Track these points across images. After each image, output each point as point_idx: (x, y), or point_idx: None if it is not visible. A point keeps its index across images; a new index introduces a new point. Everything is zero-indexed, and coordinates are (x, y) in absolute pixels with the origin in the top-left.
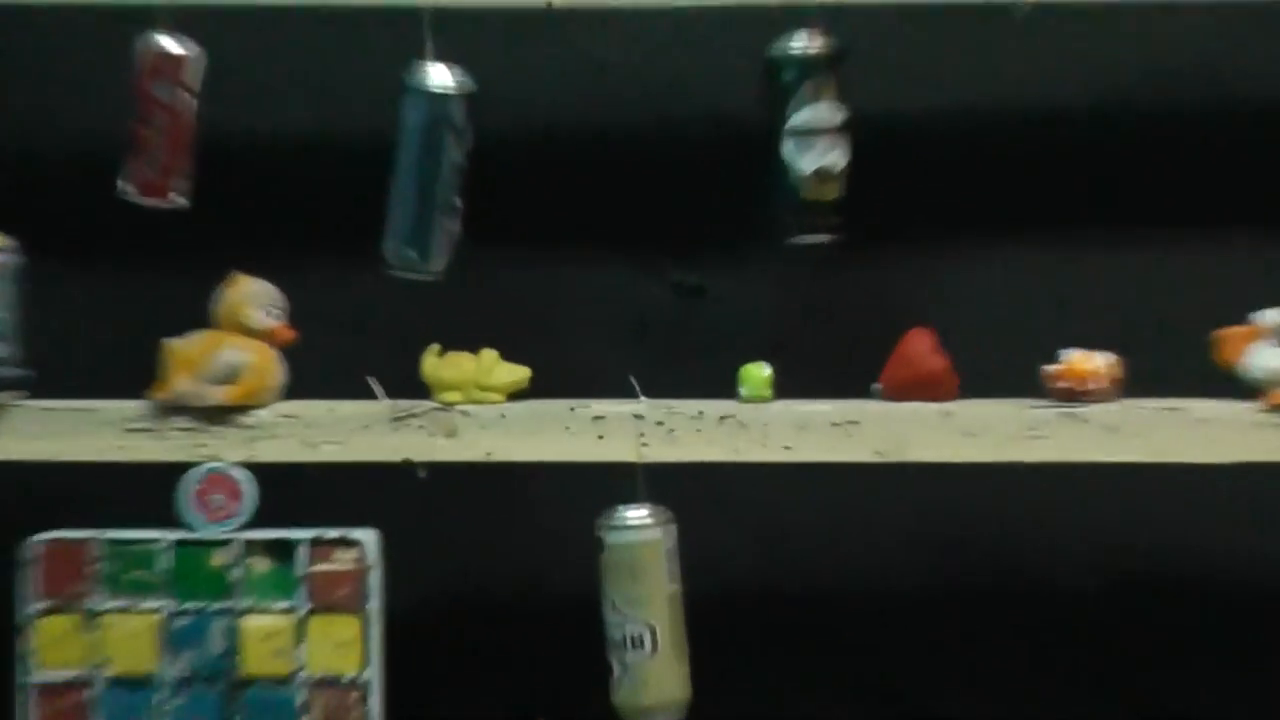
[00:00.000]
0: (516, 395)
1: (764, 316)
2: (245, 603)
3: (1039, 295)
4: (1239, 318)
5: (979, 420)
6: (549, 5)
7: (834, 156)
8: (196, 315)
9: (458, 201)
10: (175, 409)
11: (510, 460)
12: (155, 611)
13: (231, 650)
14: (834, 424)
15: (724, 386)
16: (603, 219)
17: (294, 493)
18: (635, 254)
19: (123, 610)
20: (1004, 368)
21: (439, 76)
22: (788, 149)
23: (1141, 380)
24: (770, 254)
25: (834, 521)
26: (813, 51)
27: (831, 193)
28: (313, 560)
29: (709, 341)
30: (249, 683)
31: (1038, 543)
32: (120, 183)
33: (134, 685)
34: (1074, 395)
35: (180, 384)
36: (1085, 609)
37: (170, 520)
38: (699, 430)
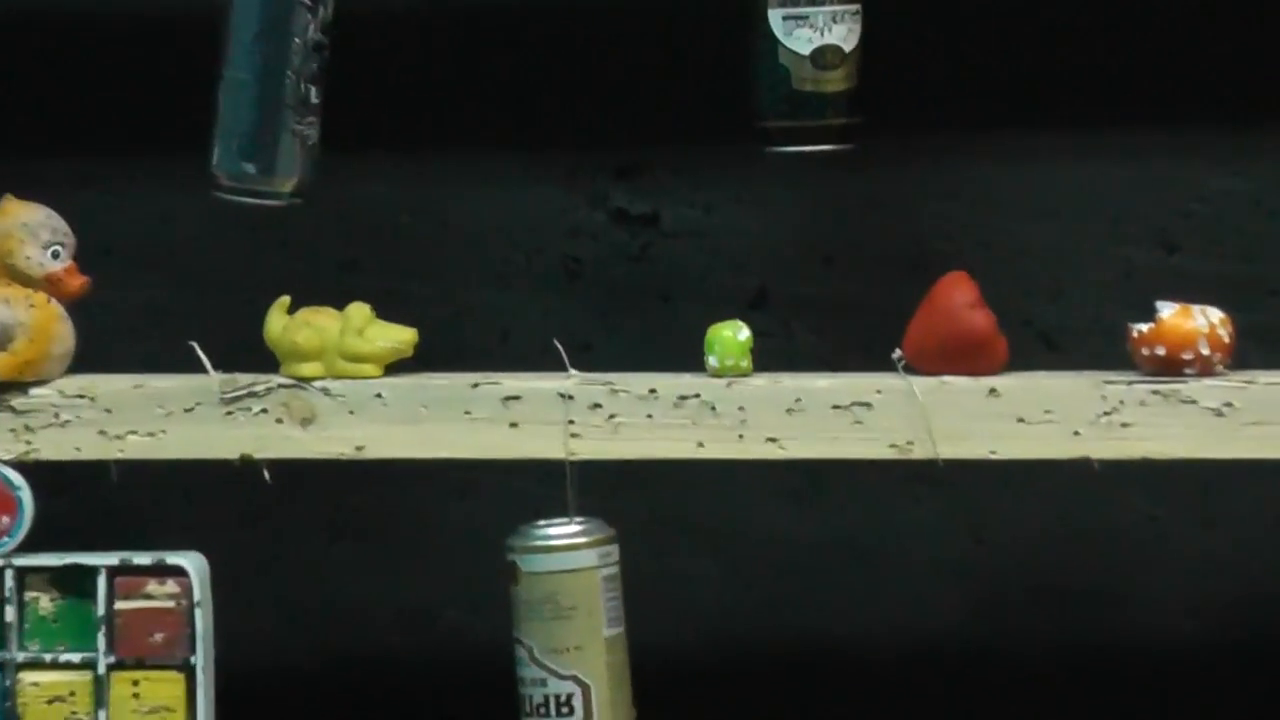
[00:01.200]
0: (398, 367)
1: (742, 257)
2: (23, 653)
3: (1124, 222)
4: None
5: (1037, 400)
6: None
7: (839, 32)
8: None
9: (315, 96)
10: None
11: (389, 458)
12: None
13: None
14: (837, 407)
15: (686, 354)
16: (519, 119)
17: (90, 503)
18: (564, 168)
19: None
20: (1072, 327)
21: None
22: (775, 21)
23: (1265, 345)
24: (750, 170)
25: (837, 543)
26: None
27: (836, 83)
28: (118, 595)
29: (665, 291)
30: None
31: (1118, 572)
32: None
33: None
34: (1171, 366)
35: None
36: (1182, 664)
37: None
38: (650, 416)
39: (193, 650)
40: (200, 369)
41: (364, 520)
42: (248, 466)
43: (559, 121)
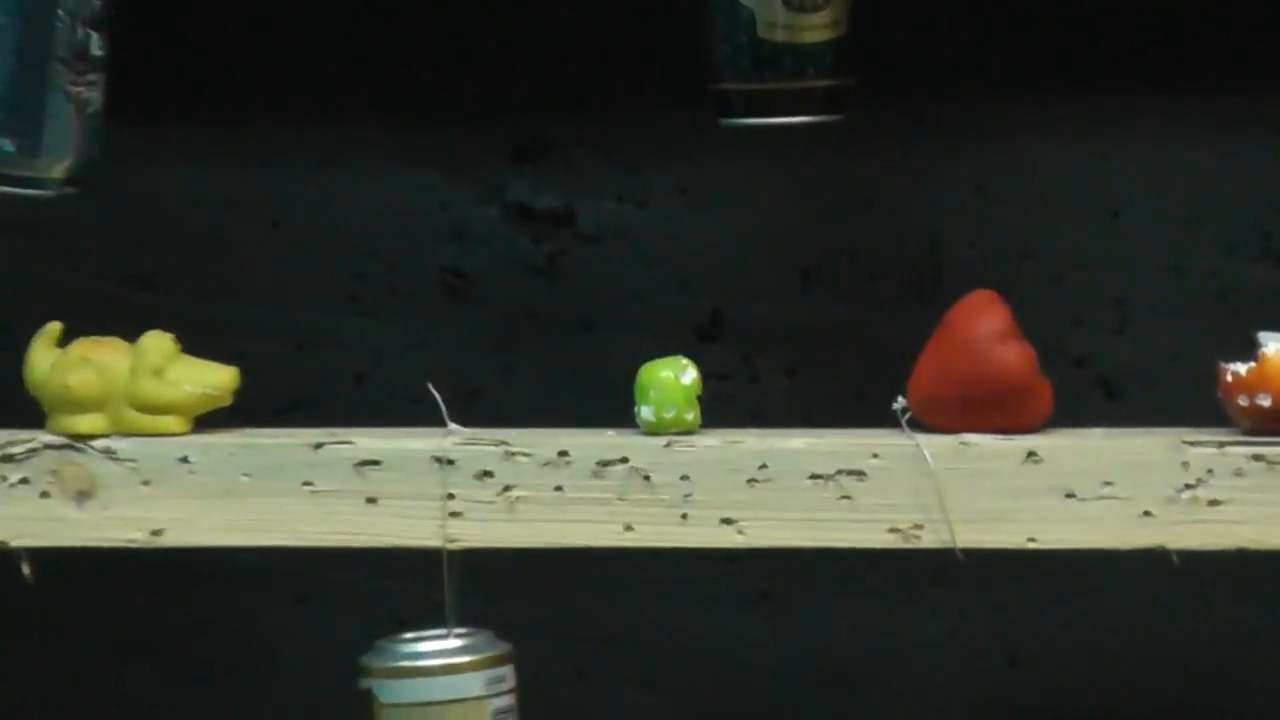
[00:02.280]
0: (212, 420)
1: (688, 269)
2: None
3: (1211, 222)
4: None
5: (1093, 468)
6: None
7: None
8: None
9: (97, 45)
10: None
11: (199, 545)
12: None
13: None
14: (818, 476)
15: (611, 403)
16: (380, 80)
17: None
18: (443, 147)
19: None
20: (1141, 366)
21: None
22: None
23: None
24: (701, 149)
25: (818, 667)
26: None
27: (818, 30)
28: None
29: (582, 316)
30: None
31: (1202, 702)
32: None
33: None
34: (1278, 421)
35: None
36: None
37: None
38: (559, 488)
39: None
40: None
41: (166, 632)
42: (3, 557)
43: (435, 84)
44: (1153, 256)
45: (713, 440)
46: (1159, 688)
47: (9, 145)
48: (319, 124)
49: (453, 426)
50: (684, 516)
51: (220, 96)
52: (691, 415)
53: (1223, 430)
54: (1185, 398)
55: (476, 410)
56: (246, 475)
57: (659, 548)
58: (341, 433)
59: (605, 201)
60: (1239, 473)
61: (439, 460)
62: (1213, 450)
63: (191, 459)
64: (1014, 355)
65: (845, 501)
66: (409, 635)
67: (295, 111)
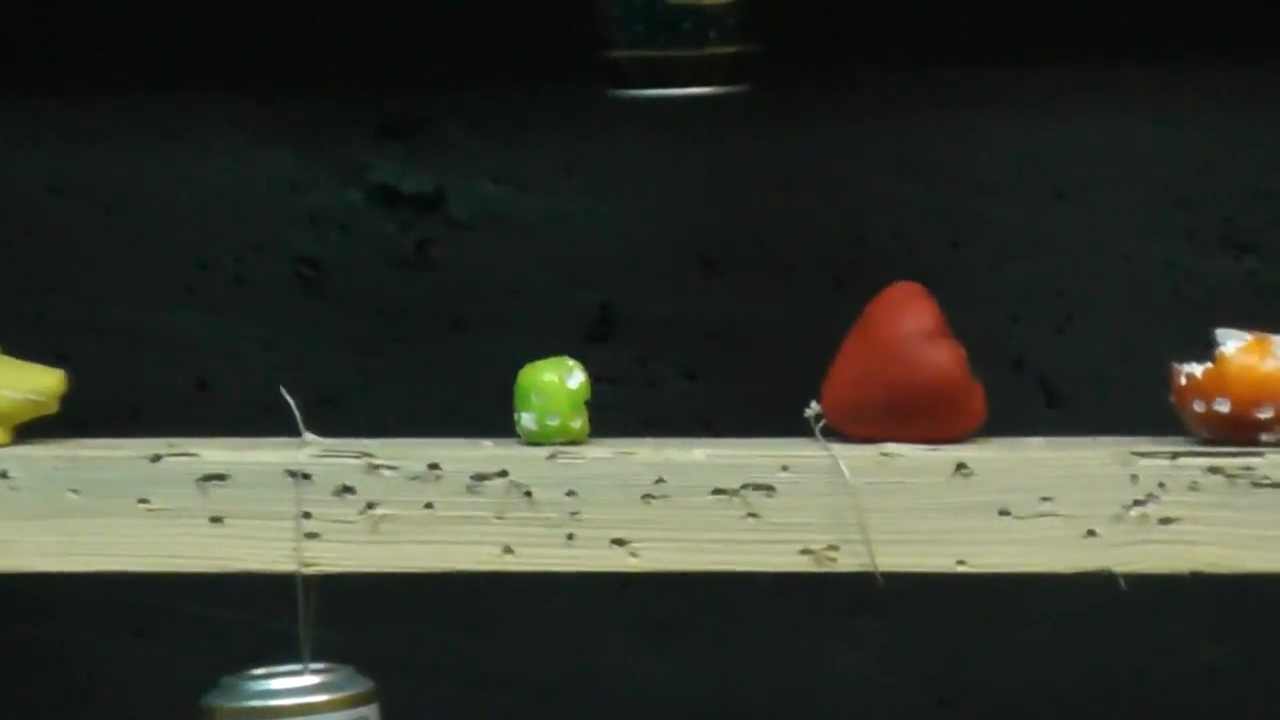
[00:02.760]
0: (34, 430)
1: (575, 259)
2: None
3: (1166, 206)
4: None
5: (1031, 482)
6: None
7: None
8: None
9: None
10: None
11: (20, 571)
12: None
13: None
14: (721, 492)
15: (488, 410)
16: (224, 42)
17: None
18: (298, 120)
19: None
20: (1085, 368)
21: None
22: None
23: None
24: (590, 125)
25: (721, 708)
26: None
27: None
28: None
29: (454, 313)
30: None
31: None
32: None
33: None
34: (1240, 429)
35: None
36: None
37: None
38: (430, 505)
39: None
40: None
41: None
42: None
43: (288, 50)
44: (1100, 244)
45: (603, 451)
46: None
47: None
48: (155, 95)
49: (308, 436)
50: (570, 537)
51: (41, 63)
52: (579, 423)
53: (1176, 439)
54: (1134, 403)
55: (335, 418)
56: (74, 492)
57: (542, 572)
58: (182, 443)
59: (480, 183)
60: (1194, 487)
61: (293, 474)
62: (1165, 462)
63: (11, 474)
64: (943, 355)
65: (752, 520)
66: (259, 671)
67: (128, 81)
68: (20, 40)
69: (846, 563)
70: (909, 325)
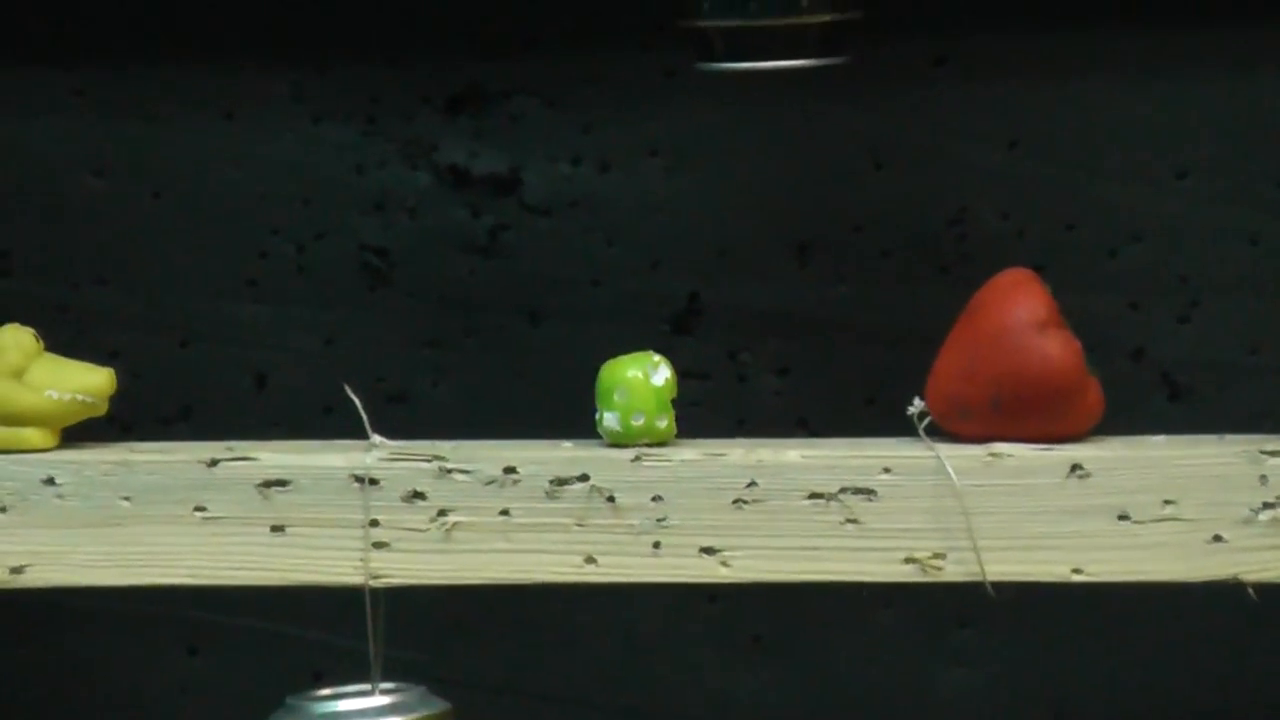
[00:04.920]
0: (82, 432)
1: (660, 246)
2: None
3: None
4: None
5: (1152, 484)
6: None
7: None
8: None
9: None
10: None
11: (67, 584)
12: None
13: None
14: (818, 496)
15: (566, 409)
16: (283, 23)
17: None
18: (359, 96)
19: None
20: (1212, 361)
21: None
22: None
23: None
24: (675, 100)
25: None
26: None
27: None
28: None
29: (530, 303)
30: None
31: None
32: None
33: None
34: None
35: None
36: None
37: None
38: (506, 512)
39: None
40: None
41: (22, 692)
42: None
43: (351, 21)
44: (1227, 226)
45: (690, 453)
46: None
47: None
48: (209, 69)
49: (376, 438)
50: (656, 545)
51: (86, 36)
52: (665, 423)
53: None
54: (1264, 397)
55: (404, 418)
56: (126, 499)
57: (626, 583)
58: (241, 446)
59: (557, 164)
60: None
61: (359, 479)
62: None
63: (59, 480)
64: (1056, 347)
65: (851, 526)
66: (326, 692)
67: (178, 54)
68: (59, 10)
69: (953, 572)
70: (1020, 315)
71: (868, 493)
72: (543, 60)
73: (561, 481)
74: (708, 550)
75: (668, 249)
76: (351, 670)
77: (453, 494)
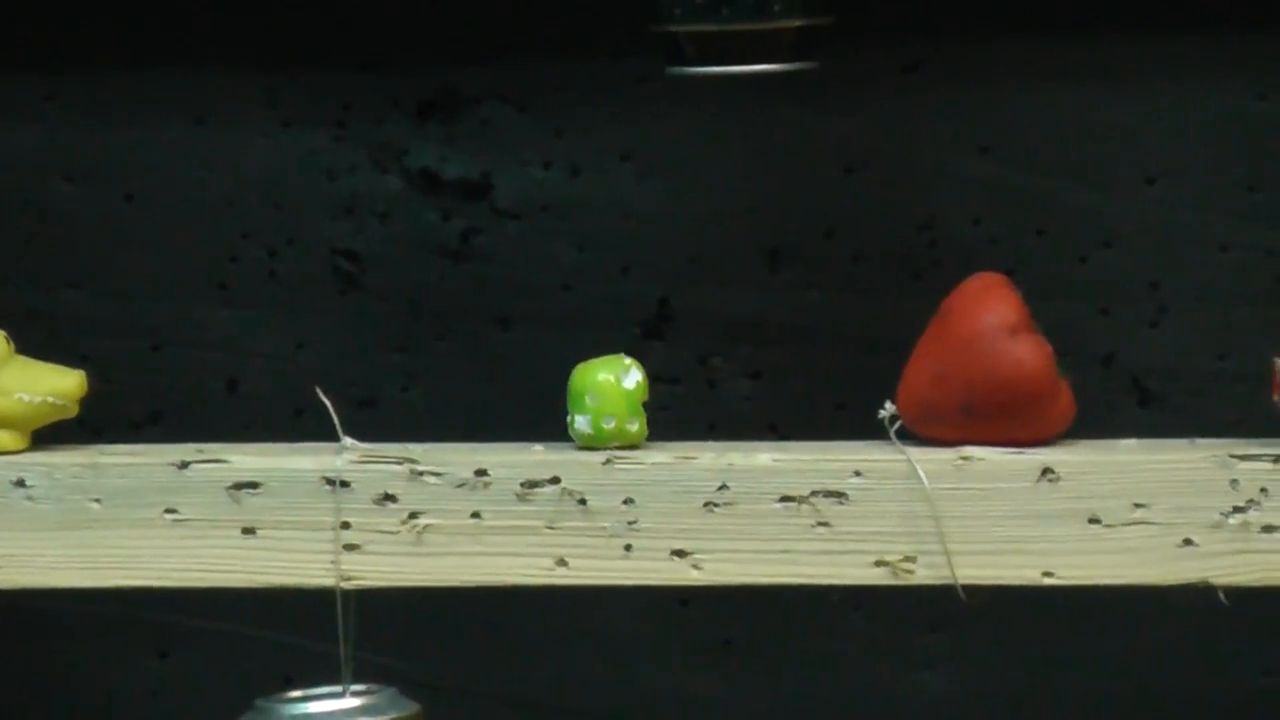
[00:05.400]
0: (51, 435)
1: (631, 250)
2: None
3: (1264, 184)
4: None
5: (1122, 488)
6: None
7: None
8: None
9: None
10: None
11: (38, 587)
12: None
13: None
14: (789, 499)
15: (536, 412)
16: (254, 15)
17: None
18: (331, 100)
19: None
20: (1181, 366)
21: None
22: None
23: None
24: (646, 104)
25: None
26: None
27: None
28: None
29: (501, 308)
30: None
31: None
32: None
33: None
34: None
35: None
36: None
37: None
38: (477, 515)
39: None
40: None
41: None
42: None
43: (323, 25)
44: (1196, 232)
45: (662, 456)
46: None
47: None
48: (180, 74)
49: (347, 441)
50: (627, 548)
51: (57, 42)
52: (635, 426)
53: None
54: (1234, 402)
55: (375, 422)
56: (96, 502)
57: (597, 585)
58: (212, 449)
59: (529, 169)
60: None
61: (331, 482)
62: (1268, 465)
63: (29, 482)
64: (1027, 351)
65: (822, 529)
66: (295, 694)
67: (150, 59)
68: (28, 11)
69: (924, 575)
70: (990, 319)
71: (839, 496)
72: (514, 65)
73: (533, 484)
74: (679, 553)
75: (639, 254)
76: (322, 673)
77: (424, 496)
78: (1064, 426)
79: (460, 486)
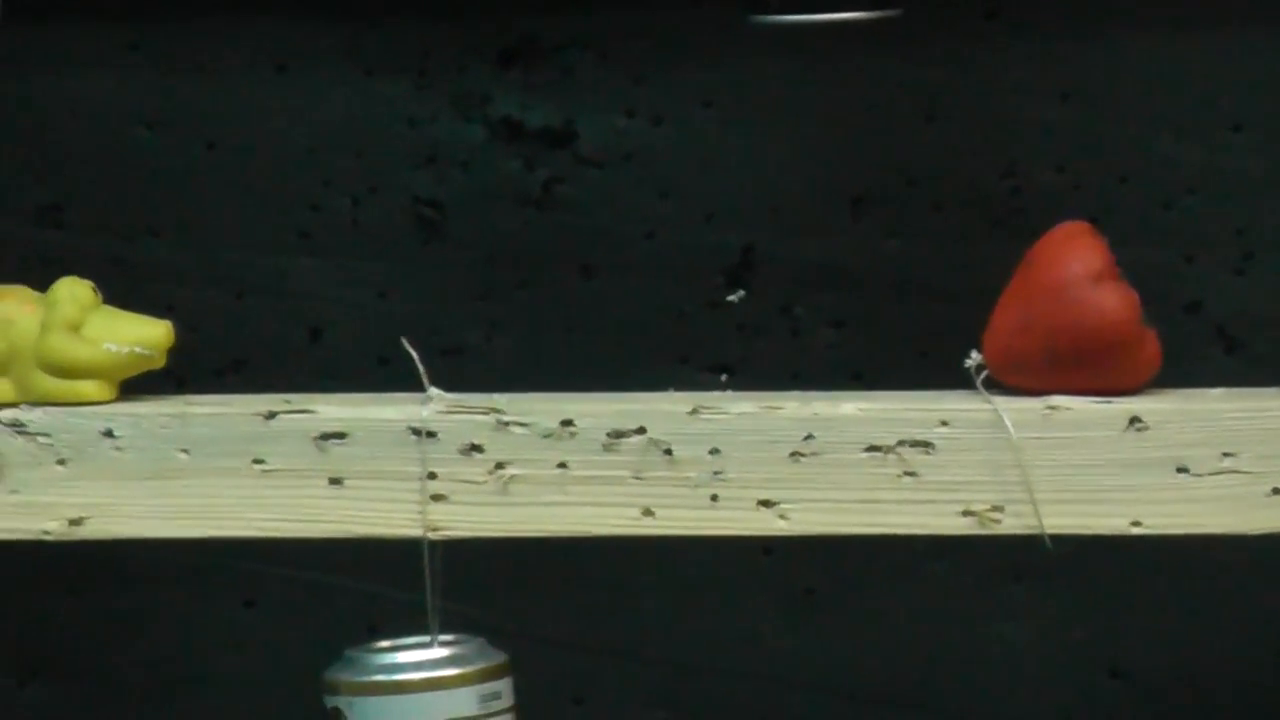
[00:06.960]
0: (139, 385)
1: (714, 199)
2: None
3: None
4: None
5: (1210, 436)
6: None
7: None
8: None
9: None
10: None
11: (125, 536)
12: None
13: None
14: (875, 449)
15: (622, 361)
16: None
17: None
18: (410, 50)
19: None
20: (1266, 311)
21: None
22: None
23: None
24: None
25: (876, 683)
26: None
27: None
28: None
29: (584, 256)
30: None
31: None
32: None
33: None
34: None
35: None
36: None
37: None
38: (563, 465)
39: None
40: None
41: (79, 646)
42: None
43: None
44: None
45: (747, 405)
46: None
47: None
48: (262, 23)
49: (432, 391)
50: (713, 498)
51: None
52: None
53: None
54: None
55: (459, 371)
56: (184, 452)
57: (683, 536)
58: (298, 399)
59: (611, 117)
60: None
61: (416, 432)
62: None
63: (117, 433)
64: (1113, 299)
65: (908, 479)
66: (384, 644)
67: (232, 7)
68: None
69: (1011, 524)
70: (1075, 267)
71: (925, 445)
72: (595, 13)
73: (619, 434)
74: (765, 503)
75: (721, 202)
76: (406, 623)
77: (510, 447)
78: (1150, 375)
79: (546, 436)
